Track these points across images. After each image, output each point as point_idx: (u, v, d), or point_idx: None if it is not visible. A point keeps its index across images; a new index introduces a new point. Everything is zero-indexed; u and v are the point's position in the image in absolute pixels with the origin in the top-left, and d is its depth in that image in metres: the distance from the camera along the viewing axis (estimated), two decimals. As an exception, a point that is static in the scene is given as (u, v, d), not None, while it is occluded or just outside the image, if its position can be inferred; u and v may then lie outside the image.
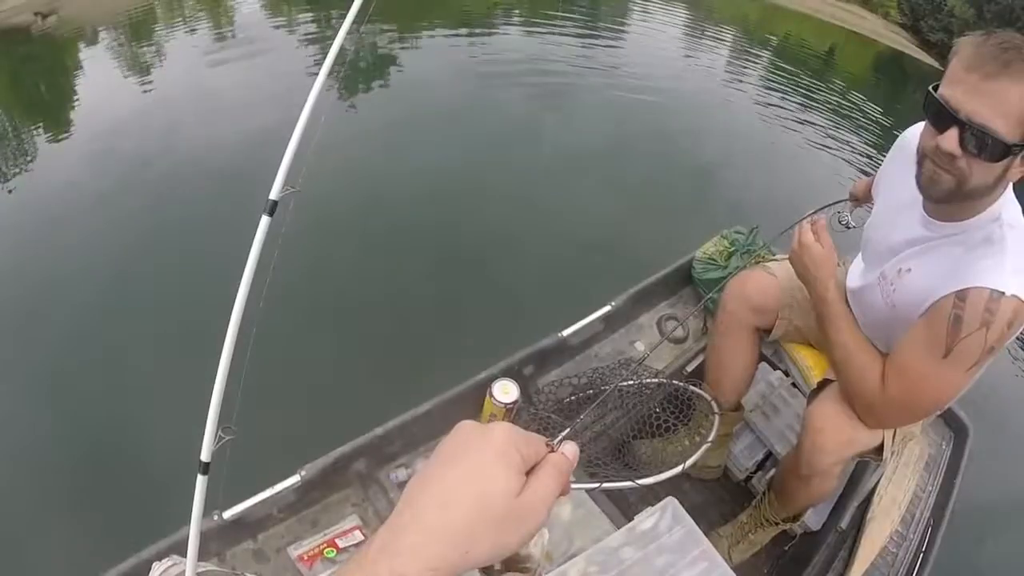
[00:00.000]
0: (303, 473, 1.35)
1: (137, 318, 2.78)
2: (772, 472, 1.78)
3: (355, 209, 3.48)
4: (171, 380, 2.16)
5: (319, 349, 2.53)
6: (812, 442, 1.26)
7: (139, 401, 2.30)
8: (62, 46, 6.33)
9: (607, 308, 1.97)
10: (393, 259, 3.13)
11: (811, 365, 1.49)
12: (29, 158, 5.02)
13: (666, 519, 1.05)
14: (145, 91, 5.79)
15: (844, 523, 1.60)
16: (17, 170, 4.90)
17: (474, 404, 1.64)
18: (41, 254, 3.61)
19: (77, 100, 5.81)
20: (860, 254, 1.35)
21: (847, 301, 1.30)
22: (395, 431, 1.48)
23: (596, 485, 0.94)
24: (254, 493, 1.31)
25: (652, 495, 1.54)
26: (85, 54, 6.44)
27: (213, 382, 0.82)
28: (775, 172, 4.43)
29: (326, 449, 1.41)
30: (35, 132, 5.15)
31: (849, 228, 1.56)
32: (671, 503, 1.07)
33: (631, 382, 1.65)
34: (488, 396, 1.56)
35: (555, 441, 0.41)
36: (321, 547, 1.29)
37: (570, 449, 0.41)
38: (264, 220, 0.83)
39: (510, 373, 1.70)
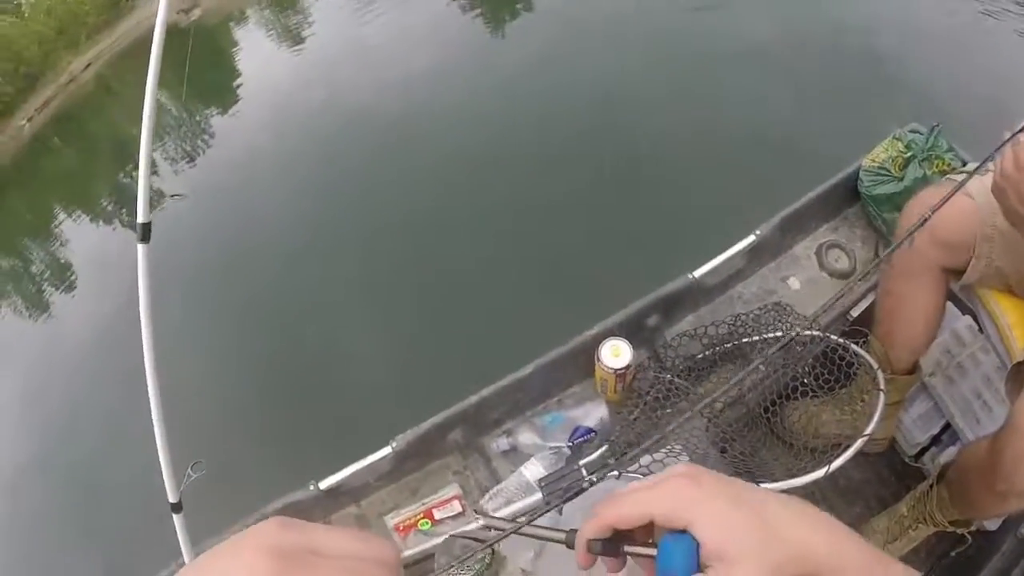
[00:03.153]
0: (394, 444, 1.30)
1: (332, 260, 3.01)
2: (949, 451, 1.40)
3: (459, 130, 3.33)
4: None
5: (413, 311, 2.49)
6: (1018, 453, 0.90)
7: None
8: (213, 32, 6.97)
9: (751, 238, 1.61)
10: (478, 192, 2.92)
11: (1013, 323, 1.08)
12: (209, 136, 5.69)
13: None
14: (300, 53, 6.14)
15: None
16: (201, 149, 5.58)
17: (584, 366, 1.44)
18: (240, 213, 4.08)
19: (240, 75, 6.40)
20: None
21: None
22: (492, 398, 1.36)
23: None
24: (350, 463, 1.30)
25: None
26: (238, 34, 7.00)
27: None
28: (965, 64, 3.31)
29: (421, 419, 1.33)
30: (210, 114, 5.80)
31: None
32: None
33: (778, 334, 1.32)
34: (596, 359, 1.34)
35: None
36: (417, 518, 1.24)
37: None
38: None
39: (629, 327, 1.47)
